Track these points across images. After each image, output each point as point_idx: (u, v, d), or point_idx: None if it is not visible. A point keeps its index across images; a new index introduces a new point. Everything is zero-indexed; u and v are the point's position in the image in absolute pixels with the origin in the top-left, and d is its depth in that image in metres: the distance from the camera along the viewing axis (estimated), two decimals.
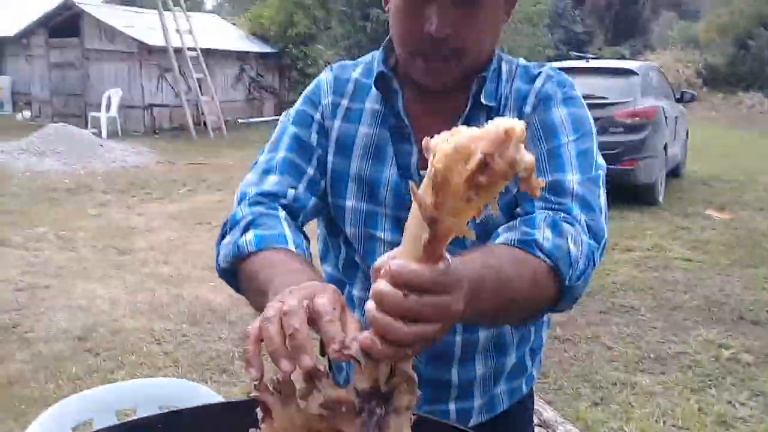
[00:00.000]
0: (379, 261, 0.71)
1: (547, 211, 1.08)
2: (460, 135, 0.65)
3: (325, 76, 1.31)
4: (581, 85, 1.31)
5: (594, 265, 1.06)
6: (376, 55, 1.28)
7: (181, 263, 5.93)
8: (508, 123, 0.64)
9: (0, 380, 3.70)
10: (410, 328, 0.69)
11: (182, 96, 15.81)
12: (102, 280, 5.44)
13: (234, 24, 22.62)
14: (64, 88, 17.54)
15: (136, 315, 4.70)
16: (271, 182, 1.21)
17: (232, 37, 20.35)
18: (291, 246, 1.07)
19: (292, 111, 1.31)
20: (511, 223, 1.09)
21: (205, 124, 15.74)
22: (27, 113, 17.86)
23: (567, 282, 1.02)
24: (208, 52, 16.70)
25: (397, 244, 0.71)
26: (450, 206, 0.66)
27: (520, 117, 1.18)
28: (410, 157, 1.22)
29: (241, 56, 19.41)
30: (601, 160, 1.19)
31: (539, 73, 1.24)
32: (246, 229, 1.11)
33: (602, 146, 1.25)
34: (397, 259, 0.69)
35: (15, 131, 14.01)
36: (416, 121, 1.22)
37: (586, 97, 1.25)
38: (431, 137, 0.67)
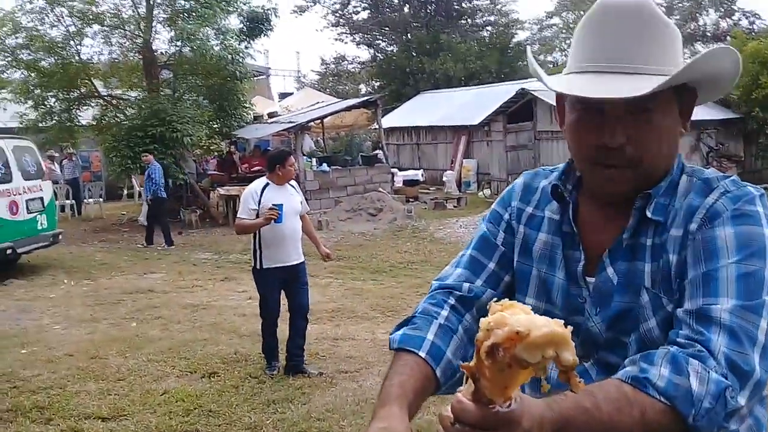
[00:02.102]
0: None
1: (673, 345, 1.08)
2: (496, 316, 0.88)
3: (519, 182, 1.47)
4: None
5: (728, 403, 1.02)
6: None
7: None
8: (525, 324, 0.86)
9: None
10: None
11: None
12: None
13: None
14: (517, 167, 18.76)
15: None
16: (454, 276, 1.41)
17: None
18: (422, 352, 1.25)
19: (488, 211, 1.49)
20: (635, 356, 1.10)
21: None
22: (487, 191, 19.56)
23: (691, 421, 1.00)
24: None
25: None
26: (484, 371, 0.88)
27: (684, 235, 1.19)
28: (577, 264, 1.31)
29: (698, 124, 17.98)
30: None
31: (716, 186, 1.21)
32: (404, 324, 1.33)
33: None
34: (460, 394, 0.93)
35: (481, 206, 15.82)
36: (587, 230, 1.31)
37: None
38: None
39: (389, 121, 24.17)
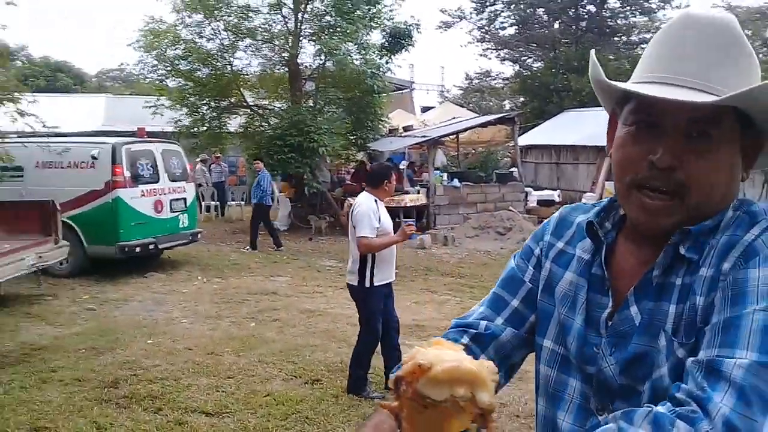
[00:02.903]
0: None
1: (670, 400, 0.98)
2: (412, 351, 0.87)
3: (555, 215, 1.38)
4: None
5: None
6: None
7: None
8: (429, 358, 0.82)
9: None
10: None
11: None
12: None
13: None
14: None
15: None
16: (475, 314, 1.36)
17: None
18: None
19: (521, 247, 1.41)
20: (617, 412, 1.01)
21: None
22: None
23: None
24: None
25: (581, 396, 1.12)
26: (407, 414, 0.86)
27: (716, 275, 1.05)
28: (602, 310, 1.19)
29: None
30: None
31: (761, 221, 1.08)
32: None
33: None
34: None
35: None
36: (619, 274, 1.19)
37: None
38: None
39: (529, 138, 23.68)
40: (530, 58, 36.82)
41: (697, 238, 1.11)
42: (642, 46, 34.31)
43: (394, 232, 5.42)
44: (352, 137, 18.03)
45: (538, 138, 24.74)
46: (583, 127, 23.23)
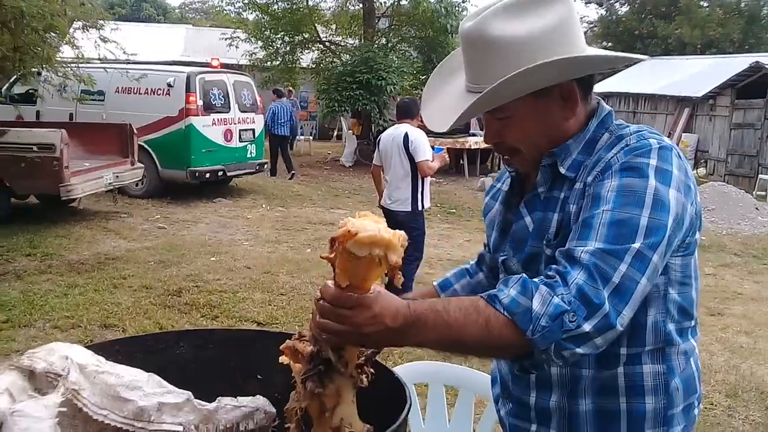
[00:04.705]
0: None
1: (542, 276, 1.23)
2: (344, 220, 1.11)
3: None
4: None
5: (565, 325, 1.14)
6: None
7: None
8: (356, 226, 1.09)
9: None
10: (319, 321, 1.15)
11: None
12: None
13: None
14: (740, 147, 17.06)
15: None
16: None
17: None
18: (434, 282, 1.77)
19: None
20: (501, 278, 1.36)
21: None
22: (702, 170, 18.04)
23: (529, 335, 1.15)
24: None
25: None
26: (340, 263, 1.12)
27: (584, 187, 1.32)
28: (510, 225, 1.50)
29: None
30: (654, 233, 1.20)
31: (623, 140, 1.33)
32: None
33: None
34: (330, 281, 1.15)
35: None
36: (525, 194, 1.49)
37: None
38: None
39: (607, 85, 22.96)
40: (617, 1, 35.30)
41: (572, 157, 1.38)
42: None
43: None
44: (422, 77, 18.00)
45: (616, 85, 23.92)
46: (665, 75, 22.36)
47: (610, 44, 32.07)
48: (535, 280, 1.20)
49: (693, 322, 1.41)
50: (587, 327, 1.14)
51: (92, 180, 8.73)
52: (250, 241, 8.44)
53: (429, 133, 14.47)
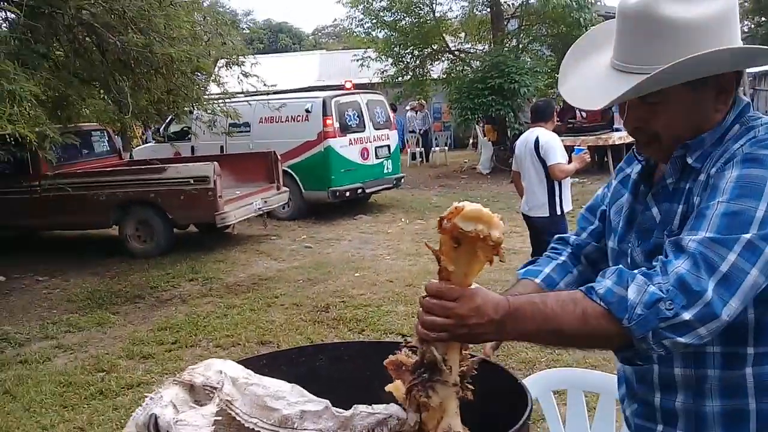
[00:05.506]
0: None
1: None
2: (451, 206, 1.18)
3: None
4: None
5: (661, 313, 1.14)
6: None
7: None
8: (464, 203, 1.16)
9: None
10: (427, 317, 1.19)
11: None
12: None
13: None
14: None
15: None
16: (572, 231, 1.73)
17: None
18: (538, 280, 1.60)
19: None
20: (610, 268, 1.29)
21: None
22: None
23: (625, 323, 1.16)
24: None
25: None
26: (445, 251, 1.19)
27: (708, 178, 1.29)
28: (638, 215, 1.47)
29: None
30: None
31: (752, 131, 1.30)
32: (528, 264, 1.69)
33: None
34: (434, 280, 1.21)
35: None
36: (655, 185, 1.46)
37: None
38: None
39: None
40: None
41: (702, 149, 1.34)
42: None
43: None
44: (557, 75, 17.58)
45: None
46: None
47: (764, 19, 29.65)
48: (635, 271, 1.20)
49: None
50: (687, 315, 1.13)
51: (243, 207, 9.34)
52: (392, 254, 8.64)
53: (569, 132, 14.20)
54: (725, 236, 1.17)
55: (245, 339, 5.68)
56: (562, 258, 1.66)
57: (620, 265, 1.25)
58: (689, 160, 1.34)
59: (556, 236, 1.75)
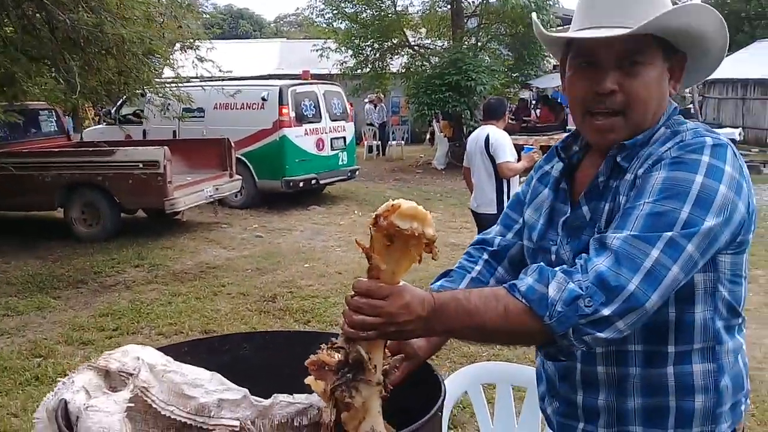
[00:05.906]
0: None
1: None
2: (387, 203, 1.21)
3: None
4: None
5: (580, 310, 1.17)
6: None
7: None
8: (400, 201, 1.19)
9: None
10: (356, 316, 1.19)
11: None
12: None
13: None
14: None
15: None
16: (493, 231, 1.70)
17: None
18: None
19: None
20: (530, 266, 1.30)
21: None
22: None
23: (546, 320, 1.18)
24: None
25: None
26: (377, 248, 1.21)
27: (635, 179, 1.31)
28: (562, 216, 1.46)
29: None
30: (691, 226, 1.20)
31: (678, 136, 1.33)
32: (443, 276, 1.65)
33: None
34: (362, 278, 1.22)
35: None
36: (581, 183, 1.46)
37: None
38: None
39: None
40: None
41: (632, 149, 1.35)
42: None
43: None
44: (514, 74, 17.78)
45: (722, 71, 22.73)
46: None
47: None
48: (555, 268, 1.23)
49: (741, 320, 1.39)
50: (606, 311, 1.16)
51: (194, 193, 9.21)
52: (343, 246, 8.63)
53: (523, 131, 14.40)
54: (648, 234, 1.20)
55: (189, 328, 5.61)
56: (477, 268, 1.63)
57: (541, 263, 1.27)
58: (618, 159, 1.37)
59: (477, 237, 1.74)
